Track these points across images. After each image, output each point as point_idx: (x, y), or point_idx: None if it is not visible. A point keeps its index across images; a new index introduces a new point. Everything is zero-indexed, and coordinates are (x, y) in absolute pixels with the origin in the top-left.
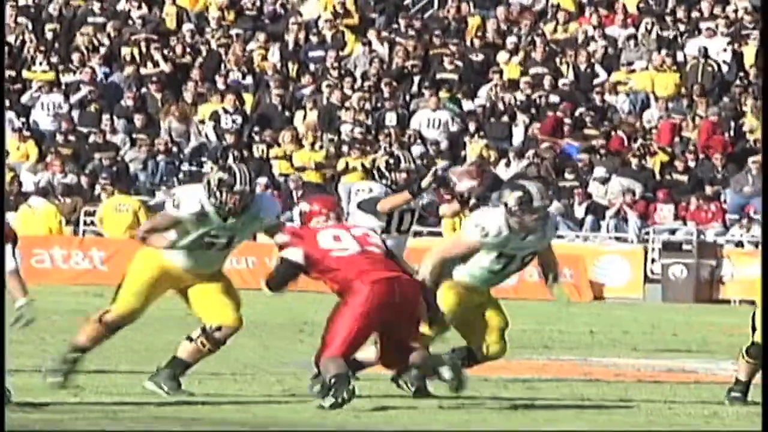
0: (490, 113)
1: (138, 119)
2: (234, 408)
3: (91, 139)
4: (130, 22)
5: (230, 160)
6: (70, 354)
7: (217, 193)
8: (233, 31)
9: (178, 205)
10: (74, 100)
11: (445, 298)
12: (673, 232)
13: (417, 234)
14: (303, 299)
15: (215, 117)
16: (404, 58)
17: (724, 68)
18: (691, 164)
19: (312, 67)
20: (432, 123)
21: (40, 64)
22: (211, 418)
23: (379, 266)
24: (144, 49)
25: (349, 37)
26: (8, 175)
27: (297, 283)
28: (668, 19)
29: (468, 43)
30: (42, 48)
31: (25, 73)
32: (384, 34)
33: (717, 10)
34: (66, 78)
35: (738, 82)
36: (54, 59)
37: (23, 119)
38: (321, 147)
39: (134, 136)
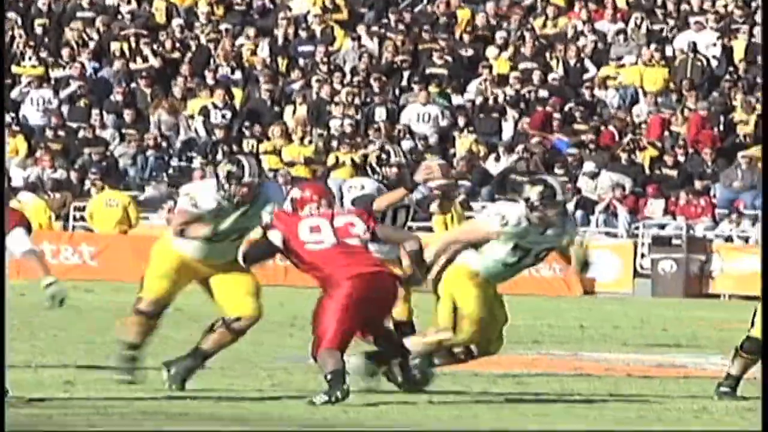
0: (479, 108)
1: (127, 114)
2: (224, 403)
3: (81, 134)
4: (120, 17)
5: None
6: (126, 352)
7: (226, 185)
8: (222, 26)
9: (196, 204)
10: (64, 95)
11: (470, 290)
12: (662, 227)
13: (408, 229)
14: (293, 294)
15: (205, 112)
16: (393, 53)
17: (714, 63)
18: (681, 159)
19: (301, 62)
20: (422, 118)
21: (30, 59)
22: (201, 413)
23: (356, 260)
24: (133, 44)
25: (339, 32)
26: None
27: (286, 278)
28: (658, 12)
29: (457, 37)
30: (31, 43)
31: (14, 68)
32: (373, 29)
33: (707, 5)
34: (55, 73)
35: (728, 76)
36: (43, 54)
37: (13, 114)
38: (310, 142)
39: (124, 131)
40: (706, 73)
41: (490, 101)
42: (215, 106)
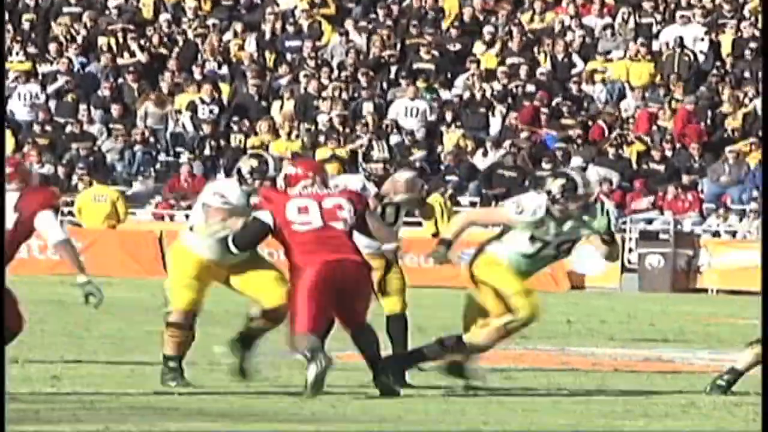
0: (467, 103)
1: (115, 109)
2: (211, 398)
3: (68, 129)
4: (107, 12)
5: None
6: (170, 363)
7: (249, 181)
8: (210, 21)
9: (227, 201)
10: (51, 90)
11: (503, 270)
12: (650, 221)
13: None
14: None
15: (192, 107)
16: (381, 48)
17: (701, 57)
18: (668, 154)
19: (289, 56)
20: (409, 112)
21: (17, 54)
22: (188, 407)
23: (327, 247)
24: (120, 39)
25: (326, 26)
26: None
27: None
28: (646, 6)
29: (445, 32)
30: (18, 38)
31: None
32: (361, 23)
33: (694, 0)
34: (43, 68)
35: (715, 71)
36: (31, 49)
37: None
38: (298, 137)
39: (111, 126)
40: (693, 67)
41: (478, 96)
42: (203, 101)
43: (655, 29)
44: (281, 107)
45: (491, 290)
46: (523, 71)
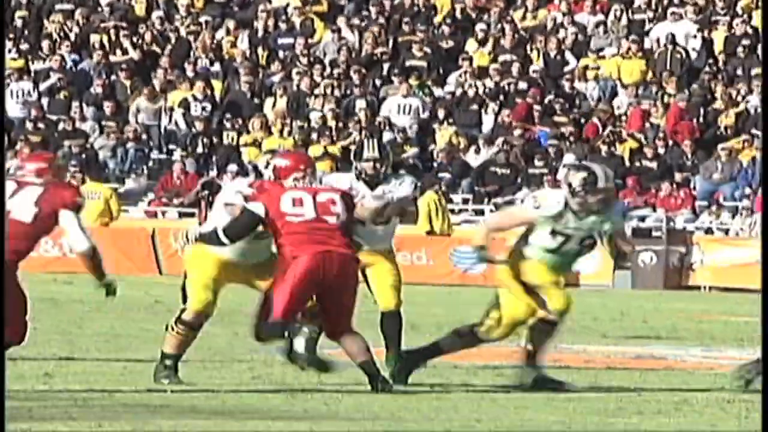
0: (459, 100)
1: (107, 106)
2: (203, 395)
3: (61, 126)
4: (99, 9)
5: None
6: (166, 361)
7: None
8: (202, 18)
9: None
10: (43, 87)
11: (528, 265)
12: (642, 218)
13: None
14: None
15: (184, 104)
16: (373, 45)
17: (693, 54)
18: (661, 151)
19: (281, 54)
20: (402, 110)
21: (10, 51)
22: (180, 405)
23: (314, 240)
24: (113, 37)
25: (319, 24)
26: None
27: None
28: (639, 3)
29: (437, 29)
30: (11, 35)
31: None
32: (353, 21)
33: None
34: (35, 65)
35: (707, 68)
36: (23, 46)
37: None
38: (290, 134)
39: (103, 123)
40: (686, 64)
41: (470, 93)
42: (195, 99)
43: (647, 26)
44: (274, 104)
45: (521, 286)
46: (515, 68)
